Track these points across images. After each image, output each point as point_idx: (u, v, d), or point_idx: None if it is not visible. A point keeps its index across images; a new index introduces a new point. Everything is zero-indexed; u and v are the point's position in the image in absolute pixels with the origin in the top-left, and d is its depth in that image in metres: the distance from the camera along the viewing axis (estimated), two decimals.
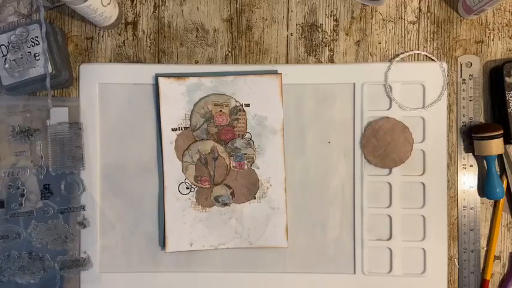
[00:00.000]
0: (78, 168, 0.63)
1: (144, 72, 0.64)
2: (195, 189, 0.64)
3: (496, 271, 0.64)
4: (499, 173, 0.63)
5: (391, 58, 0.64)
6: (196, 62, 0.65)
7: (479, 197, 0.64)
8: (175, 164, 0.63)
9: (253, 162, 0.63)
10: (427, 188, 0.63)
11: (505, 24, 0.64)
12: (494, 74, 0.63)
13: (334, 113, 0.64)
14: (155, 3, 0.65)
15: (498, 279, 0.64)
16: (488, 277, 0.63)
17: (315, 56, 0.64)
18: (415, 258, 0.63)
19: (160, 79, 0.63)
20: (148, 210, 0.64)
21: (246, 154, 0.63)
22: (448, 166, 0.63)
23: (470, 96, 0.64)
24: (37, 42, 0.58)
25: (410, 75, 0.63)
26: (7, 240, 0.63)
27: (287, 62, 0.65)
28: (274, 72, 0.63)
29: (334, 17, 0.64)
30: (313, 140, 0.64)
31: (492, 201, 0.64)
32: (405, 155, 0.63)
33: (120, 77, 0.64)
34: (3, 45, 0.58)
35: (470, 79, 0.64)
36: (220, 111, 0.63)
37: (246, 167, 0.64)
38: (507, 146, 0.63)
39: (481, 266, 0.63)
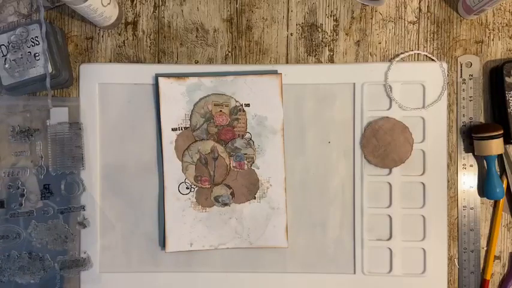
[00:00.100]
0: (78, 168, 0.63)
1: (144, 72, 0.64)
2: (195, 189, 0.64)
3: (496, 271, 0.64)
4: (499, 173, 0.63)
5: (391, 58, 0.64)
6: (196, 62, 0.65)
7: (479, 197, 0.64)
8: (175, 164, 0.63)
9: (253, 162, 0.63)
10: (427, 188, 0.63)
11: (505, 24, 0.64)
12: (494, 74, 0.63)
13: (334, 113, 0.64)
14: (155, 3, 0.65)
15: (498, 279, 0.64)
16: (488, 277, 0.63)
17: (315, 56, 0.64)
18: (415, 258, 0.63)
19: (160, 79, 0.63)
20: (148, 210, 0.64)
21: (246, 154, 0.63)
22: (448, 166, 0.63)
23: (470, 96, 0.64)
24: (37, 42, 0.58)
25: (410, 75, 0.63)
26: (7, 240, 0.63)
27: (287, 62, 0.64)
28: (274, 72, 0.63)
29: (334, 17, 0.64)
30: (313, 140, 0.64)
31: (492, 201, 0.64)
32: (405, 155, 0.63)
33: (120, 77, 0.64)
34: (3, 45, 0.58)
35: (470, 79, 0.64)
36: (220, 111, 0.63)
37: (246, 167, 0.64)
38: (507, 146, 0.63)
39: (481, 266, 0.63)
